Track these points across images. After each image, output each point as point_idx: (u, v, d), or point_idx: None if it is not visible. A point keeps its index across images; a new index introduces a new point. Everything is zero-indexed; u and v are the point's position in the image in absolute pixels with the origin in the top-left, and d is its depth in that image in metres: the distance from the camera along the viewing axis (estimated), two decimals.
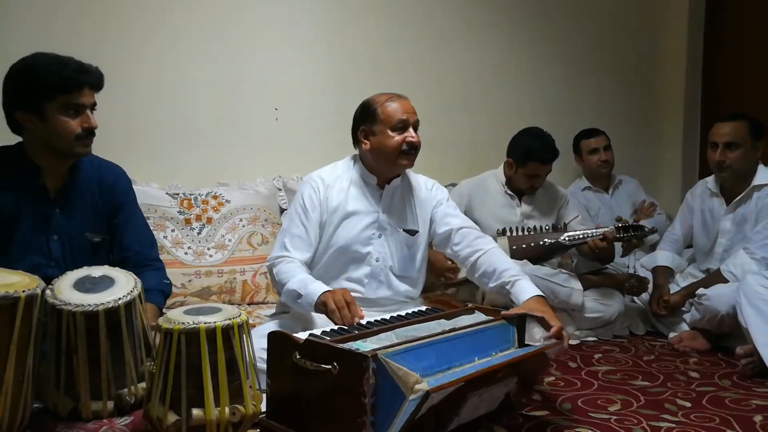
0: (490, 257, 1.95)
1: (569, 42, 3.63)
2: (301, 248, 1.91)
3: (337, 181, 1.99)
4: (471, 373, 1.39)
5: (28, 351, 1.34)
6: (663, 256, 2.78)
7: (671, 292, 2.63)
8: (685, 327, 2.57)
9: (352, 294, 1.90)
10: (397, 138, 1.93)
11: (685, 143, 3.87)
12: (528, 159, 2.60)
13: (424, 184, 2.10)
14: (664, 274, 2.72)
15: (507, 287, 1.88)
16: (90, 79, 1.67)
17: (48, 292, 1.43)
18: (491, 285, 1.92)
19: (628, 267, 2.88)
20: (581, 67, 3.68)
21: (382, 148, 1.94)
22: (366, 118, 1.97)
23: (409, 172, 2.09)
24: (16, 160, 1.70)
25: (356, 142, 2.02)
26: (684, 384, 2.04)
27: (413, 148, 1.95)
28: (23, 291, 1.30)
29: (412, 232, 2.02)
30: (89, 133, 1.69)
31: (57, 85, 1.63)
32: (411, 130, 1.94)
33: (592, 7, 3.71)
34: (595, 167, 3.27)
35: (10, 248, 1.67)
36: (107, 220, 1.82)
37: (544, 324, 1.72)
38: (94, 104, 1.71)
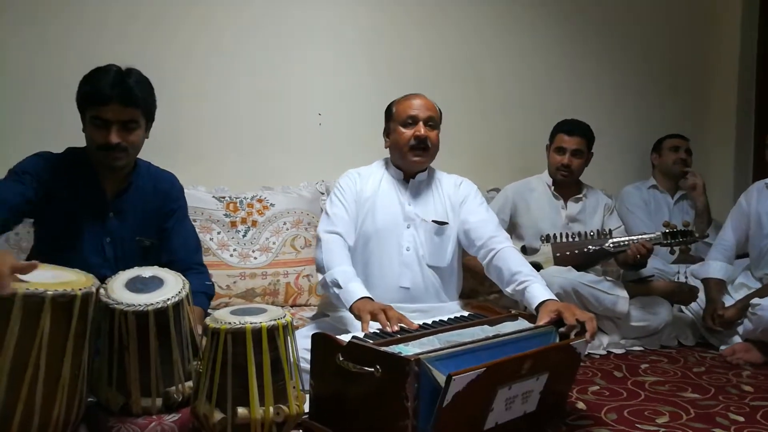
0: (501, 259, 1.93)
1: (615, 45, 3.57)
2: (345, 227, 1.97)
3: (370, 176, 2.10)
4: (493, 361, 1.38)
5: (83, 347, 1.38)
6: (715, 267, 2.65)
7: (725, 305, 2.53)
8: (737, 339, 2.48)
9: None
10: (406, 133, 2.02)
11: (737, 147, 3.74)
12: (555, 132, 2.74)
13: (453, 181, 2.16)
14: (717, 286, 2.61)
15: (519, 295, 1.86)
16: (118, 94, 1.67)
17: (101, 291, 1.48)
18: (506, 290, 1.92)
19: (678, 275, 2.80)
20: (628, 70, 3.60)
21: (395, 143, 2.06)
22: (386, 118, 2.11)
23: (438, 170, 2.16)
24: (79, 163, 1.78)
25: (385, 140, 2.14)
26: (737, 398, 1.97)
27: (421, 143, 2.00)
28: (80, 289, 1.34)
29: (441, 223, 2.05)
30: (110, 147, 1.69)
31: (87, 97, 1.69)
32: (420, 124, 2.00)
33: (641, 8, 3.63)
34: (671, 163, 3.21)
35: (71, 247, 1.74)
36: (158, 225, 1.89)
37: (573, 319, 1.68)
38: (131, 120, 1.71)
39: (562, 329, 1.69)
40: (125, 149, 1.73)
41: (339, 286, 1.79)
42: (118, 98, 1.68)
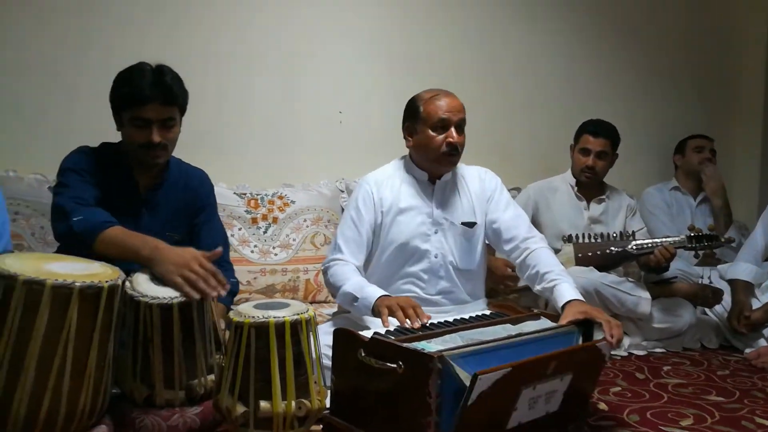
0: (535, 258, 1.91)
1: (638, 44, 3.53)
2: (354, 251, 1.92)
3: (389, 181, 2.00)
4: (519, 361, 1.37)
5: (109, 339, 1.40)
6: (744, 269, 2.59)
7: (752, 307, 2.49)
8: (763, 342, 2.43)
9: (411, 294, 1.92)
10: (438, 138, 1.89)
11: (763, 147, 3.68)
12: (580, 133, 2.72)
13: (477, 174, 2.07)
14: (744, 289, 2.55)
15: (548, 293, 1.83)
16: (159, 94, 1.69)
17: (127, 283, 1.50)
18: (536, 288, 1.89)
19: (702, 277, 2.76)
20: (651, 69, 3.56)
21: (423, 147, 1.93)
22: (410, 115, 1.97)
23: (461, 164, 2.05)
24: (114, 158, 1.81)
25: (405, 138, 2.02)
26: (763, 401, 1.94)
27: (453, 149, 1.89)
28: (106, 282, 1.36)
29: (471, 225, 1.99)
30: (152, 146, 1.73)
31: (126, 98, 1.71)
32: (452, 129, 1.88)
33: (664, 7, 3.59)
34: (696, 164, 3.15)
35: None
36: (188, 221, 1.91)
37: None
38: (169, 118, 1.74)
39: (596, 327, 1.67)
40: (165, 147, 1.76)
41: (355, 298, 1.77)
42: (158, 98, 1.70)
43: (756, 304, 2.51)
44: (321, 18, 2.85)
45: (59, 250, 1.75)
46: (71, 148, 1.81)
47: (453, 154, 1.91)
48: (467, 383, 1.28)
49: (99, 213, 1.65)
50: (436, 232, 1.97)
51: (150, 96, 1.69)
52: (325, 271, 1.93)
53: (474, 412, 1.30)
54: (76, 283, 1.31)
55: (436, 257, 1.97)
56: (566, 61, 3.37)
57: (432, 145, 1.90)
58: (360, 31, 2.94)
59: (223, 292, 1.57)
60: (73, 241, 1.62)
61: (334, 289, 1.88)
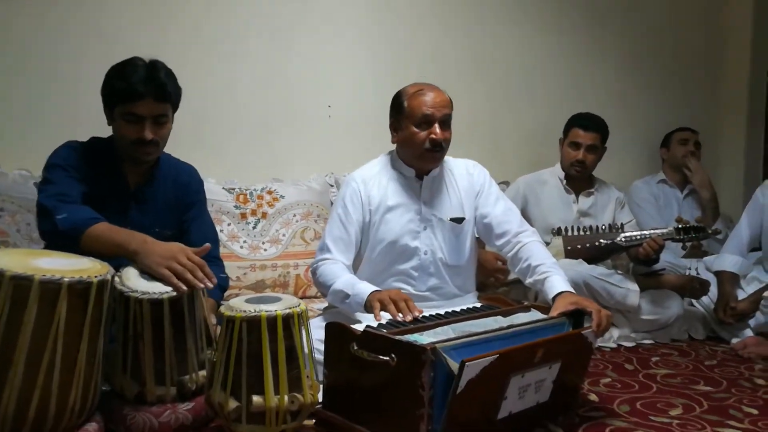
0: (527, 252, 1.90)
1: (624, 37, 3.54)
2: (342, 250, 1.90)
3: (376, 178, 1.97)
4: (506, 348, 1.38)
5: (99, 335, 1.39)
6: (730, 261, 2.62)
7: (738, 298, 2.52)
8: (749, 332, 2.47)
9: (402, 291, 1.91)
10: (421, 135, 1.85)
11: (748, 139, 3.72)
12: (569, 126, 2.73)
13: (465, 168, 2.04)
14: (730, 280, 2.58)
15: (539, 285, 1.84)
16: (152, 90, 1.68)
17: (116, 279, 1.49)
18: (527, 281, 1.89)
19: (689, 269, 2.79)
20: (637, 63, 3.57)
21: (407, 143, 1.90)
22: (395, 111, 1.94)
23: (448, 157, 2.02)
24: (103, 153, 1.78)
25: (391, 134, 1.99)
26: (750, 391, 1.96)
27: (437, 146, 1.86)
28: (96, 277, 1.35)
29: (459, 220, 1.97)
30: (143, 142, 1.71)
31: (119, 93, 1.69)
32: (436, 126, 1.84)
33: (649, 1, 3.61)
34: (680, 157, 3.17)
35: None
36: (178, 217, 1.89)
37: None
38: (162, 115, 1.72)
39: (586, 317, 1.68)
40: (157, 143, 1.74)
41: (347, 295, 1.76)
42: (151, 94, 1.68)
43: (741, 295, 2.54)
44: (309, 10, 2.83)
45: (47, 248, 1.73)
46: (57, 144, 1.78)
47: (436, 150, 1.87)
48: (457, 372, 1.29)
49: (83, 210, 1.63)
50: (425, 229, 1.95)
51: (143, 92, 1.67)
52: (314, 272, 1.91)
53: (464, 401, 1.30)
54: (65, 279, 1.29)
55: (425, 254, 1.95)
56: (554, 54, 3.37)
57: (415, 142, 1.87)
58: (348, 23, 2.92)
59: (210, 285, 1.55)
60: (58, 239, 1.60)
61: (324, 288, 1.86)
